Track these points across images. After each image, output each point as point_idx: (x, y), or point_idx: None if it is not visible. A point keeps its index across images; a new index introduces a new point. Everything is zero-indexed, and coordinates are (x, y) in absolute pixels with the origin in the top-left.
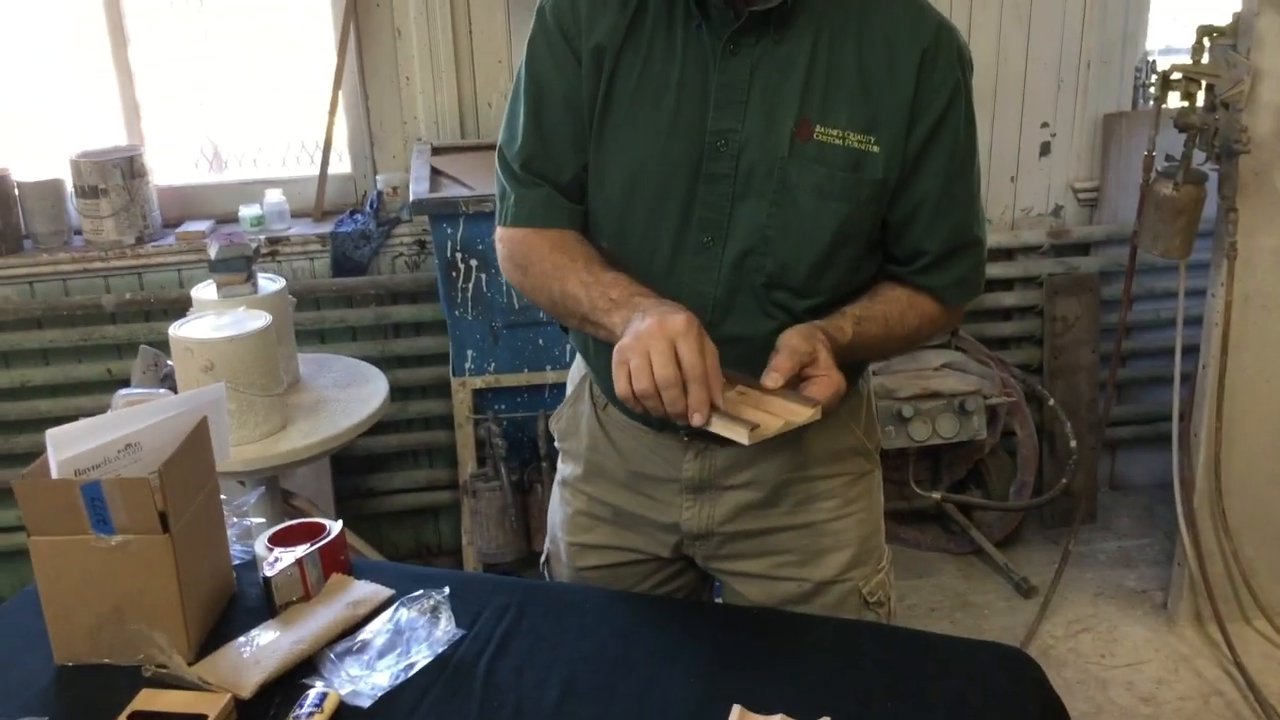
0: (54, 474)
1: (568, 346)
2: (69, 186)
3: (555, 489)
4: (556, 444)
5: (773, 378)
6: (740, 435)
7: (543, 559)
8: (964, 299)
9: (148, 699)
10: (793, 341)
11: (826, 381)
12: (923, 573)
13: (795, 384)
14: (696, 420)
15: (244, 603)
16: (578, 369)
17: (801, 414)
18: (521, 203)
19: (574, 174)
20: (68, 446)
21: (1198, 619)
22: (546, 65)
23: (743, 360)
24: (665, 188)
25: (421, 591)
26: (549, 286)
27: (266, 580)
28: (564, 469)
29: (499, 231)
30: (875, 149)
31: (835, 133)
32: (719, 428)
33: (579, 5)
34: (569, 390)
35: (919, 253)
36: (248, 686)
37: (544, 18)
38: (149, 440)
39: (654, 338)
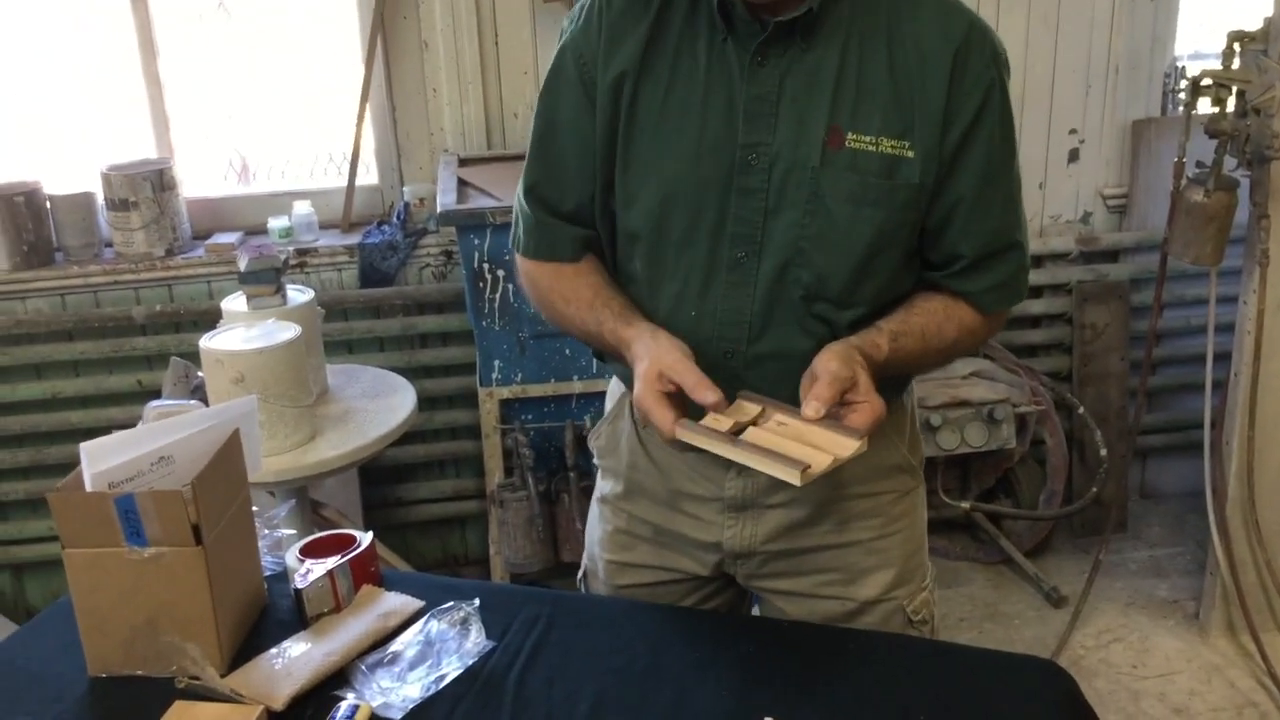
0: (88, 487)
1: (594, 355)
2: (100, 199)
3: (594, 506)
4: (595, 461)
5: (814, 407)
6: (792, 477)
7: (579, 575)
8: (1003, 305)
9: (181, 710)
10: (832, 367)
11: (868, 409)
12: (952, 582)
13: (835, 410)
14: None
15: (275, 614)
16: (616, 386)
17: (849, 447)
18: (528, 234)
19: (578, 202)
20: (102, 459)
21: (1230, 629)
22: (558, 98)
23: (782, 377)
24: (697, 205)
25: (452, 603)
26: (560, 314)
27: (298, 592)
28: (603, 486)
29: (517, 255)
30: (910, 154)
31: (868, 139)
32: (768, 468)
33: (599, 38)
34: (608, 407)
35: (955, 256)
36: (280, 698)
37: (563, 54)
38: (182, 453)
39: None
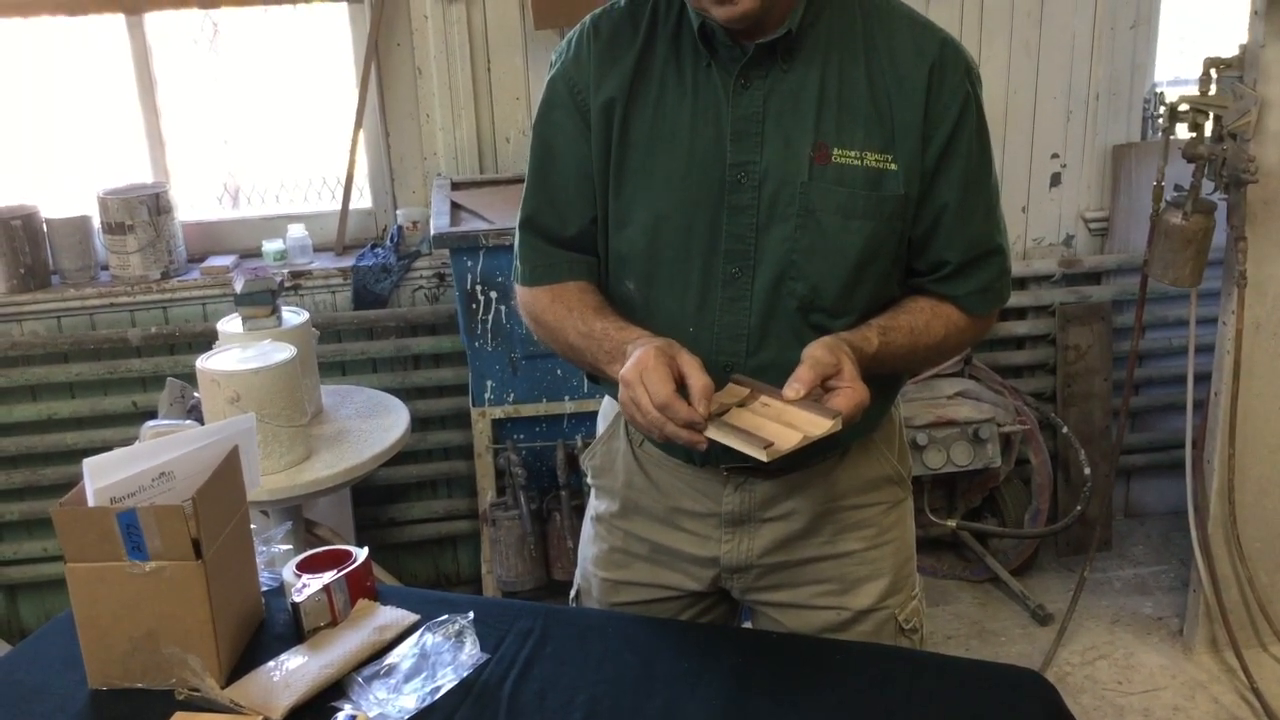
0: (91, 502)
1: (585, 377)
2: (96, 223)
3: (587, 525)
4: (589, 480)
5: (794, 389)
6: (758, 452)
7: (572, 594)
8: (988, 307)
9: None
10: (816, 353)
11: (850, 393)
12: (939, 600)
13: (819, 395)
14: (699, 446)
15: (272, 628)
16: (610, 406)
17: (821, 426)
18: (525, 263)
19: (579, 227)
20: (104, 475)
21: (1214, 645)
22: (555, 125)
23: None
24: (689, 225)
25: (446, 616)
26: (556, 339)
27: (295, 606)
28: (598, 505)
29: (516, 288)
30: (893, 166)
31: (853, 154)
32: (737, 444)
33: (588, 64)
34: (601, 427)
35: (941, 263)
36: (278, 709)
37: (555, 83)
38: (182, 469)
39: (627, 389)
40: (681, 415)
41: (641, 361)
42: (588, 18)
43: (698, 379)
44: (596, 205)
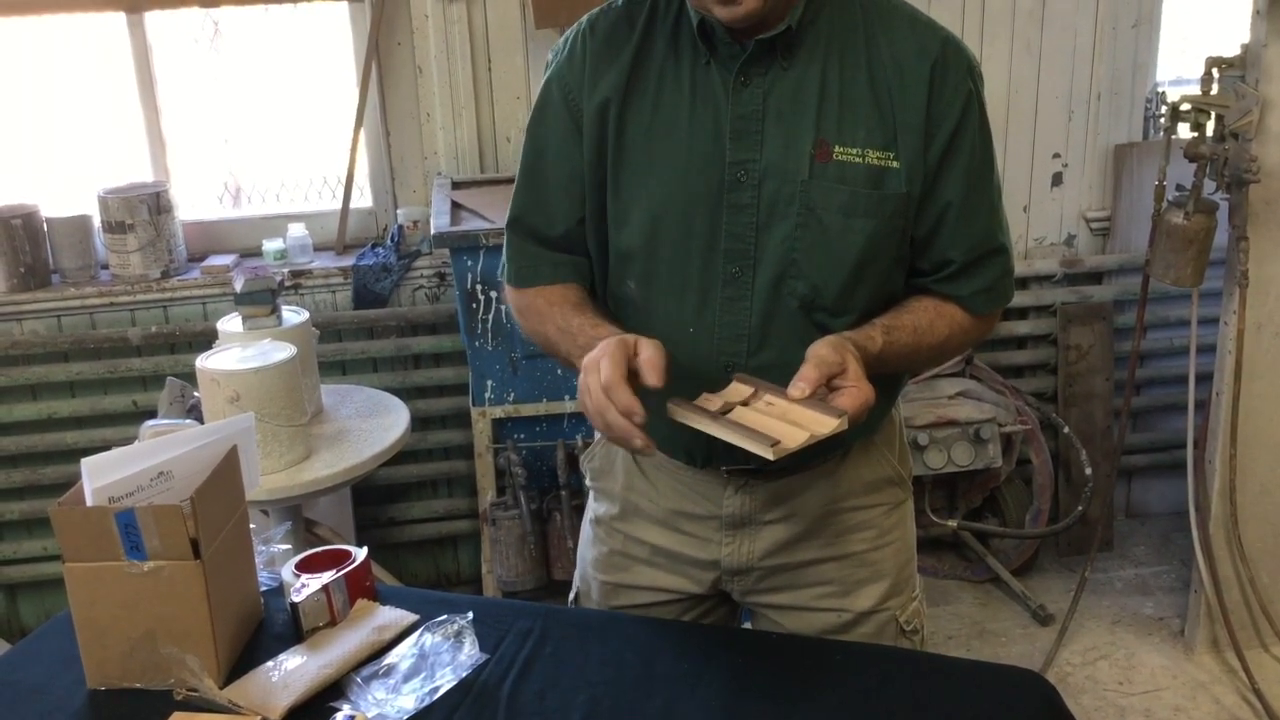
0: (89, 501)
1: None
2: (96, 222)
3: (586, 527)
4: (588, 483)
5: (799, 388)
6: (764, 450)
7: (571, 597)
8: (992, 307)
9: None
10: (821, 352)
11: (856, 392)
12: (939, 601)
13: (824, 394)
14: (634, 442)
15: (271, 628)
16: None
17: (827, 425)
18: (511, 262)
19: (566, 228)
20: (102, 475)
21: (1215, 646)
22: (546, 128)
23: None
24: (688, 224)
25: (445, 616)
26: (538, 334)
27: (294, 606)
28: (598, 507)
29: (505, 285)
30: (895, 164)
31: (854, 151)
32: (742, 442)
33: (583, 64)
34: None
35: (945, 262)
36: (277, 709)
37: (549, 86)
38: (181, 469)
39: (584, 374)
40: (622, 401)
41: (602, 348)
42: (585, 17)
43: (647, 352)
44: (585, 207)
